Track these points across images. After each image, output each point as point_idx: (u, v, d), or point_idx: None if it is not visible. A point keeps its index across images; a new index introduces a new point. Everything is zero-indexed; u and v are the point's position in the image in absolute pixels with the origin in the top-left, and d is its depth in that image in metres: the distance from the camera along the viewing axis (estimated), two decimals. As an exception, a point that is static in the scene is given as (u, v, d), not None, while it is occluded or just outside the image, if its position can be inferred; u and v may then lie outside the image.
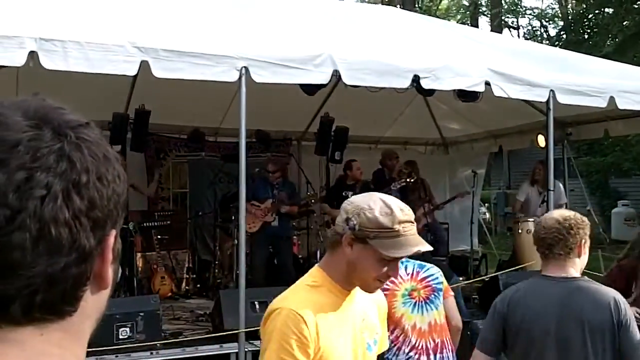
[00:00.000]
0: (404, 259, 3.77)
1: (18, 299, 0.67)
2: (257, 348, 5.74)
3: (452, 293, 3.95)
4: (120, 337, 5.49)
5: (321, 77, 5.61)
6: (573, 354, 2.83)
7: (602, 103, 6.66)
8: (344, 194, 8.05)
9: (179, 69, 5.14)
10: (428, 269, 3.87)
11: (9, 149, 0.67)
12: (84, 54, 4.84)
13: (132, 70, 5.03)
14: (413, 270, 3.81)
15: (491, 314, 3.06)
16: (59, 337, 0.72)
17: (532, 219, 8.27)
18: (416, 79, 5.89)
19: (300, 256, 8.99)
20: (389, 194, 7.40)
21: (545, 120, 6.79)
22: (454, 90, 6.37)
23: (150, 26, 5.44)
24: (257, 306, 5.93)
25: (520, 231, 8.44)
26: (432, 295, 3.78)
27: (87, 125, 0.75)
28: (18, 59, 4.64)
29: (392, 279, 3.72)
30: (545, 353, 2.88)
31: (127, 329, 5.54)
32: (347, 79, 5.70)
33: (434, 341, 3.71)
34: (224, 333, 5.70)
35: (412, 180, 8.43)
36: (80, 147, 0.71)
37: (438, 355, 3.70)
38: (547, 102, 6.52)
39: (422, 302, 3.75)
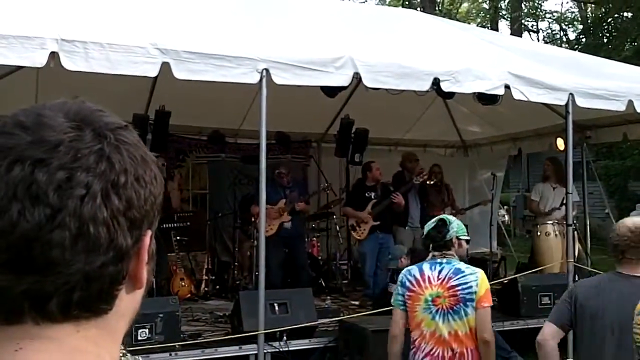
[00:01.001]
0: (444, 260, 3.74)
1: (56, 296, 0.69)
2: (277, 349, 5.76)
3: (488, 304, 3.68)
4: (140, 338, 5.52)
5: (342, 79, 5.60)
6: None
7: (621, 107, 6.61)
8: (366, 194, 8.06)
9: (200, 71, 5.17)
10: (465, 275, 3.66)
11: (51, 149, 0.69)
12: (105, 55, 4.87)
13: (153, 72, 5.06)
14: (446, 276, 3.67)
15: (568, 294, 3.38)
16: (95, 335, 0.73)
17: (551, 222, 8.21)
18: (436, 82, 5.87)
19: (319, 257, 8.99)
20: (409, 188, 7.40)
21: (564, 123, 6.73)
22: (474, 93, 6.34)
23: (172, 28, 5.47)
24: (277, 307, 5.95)
25: (539, 234, 8.38)
26: (457, 306, 3.62)
27: (126, 127, 0.77)
28: (39, 60, 4.69)
29: (420, 281, 3.68)
30: (607, 337, 3.21)
31: (147, 330, 5.56)
32: (367, 82, 5.69)
33: (452, 350, 3.59)
34: (243, 334, 5.71)
35: (432, 180, 8.41)
36: (119, 149, 0.73)
37: None
38: (566, 105, 6.48)
39: (445, 310, 3.63)
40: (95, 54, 4.89)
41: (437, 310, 3.63)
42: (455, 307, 3.62)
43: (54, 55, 4.78)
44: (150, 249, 0.78)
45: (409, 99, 7.28)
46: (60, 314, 0.70)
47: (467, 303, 3.62)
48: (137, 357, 1.77)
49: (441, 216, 3.98)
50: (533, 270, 7.74)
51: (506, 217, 19.25)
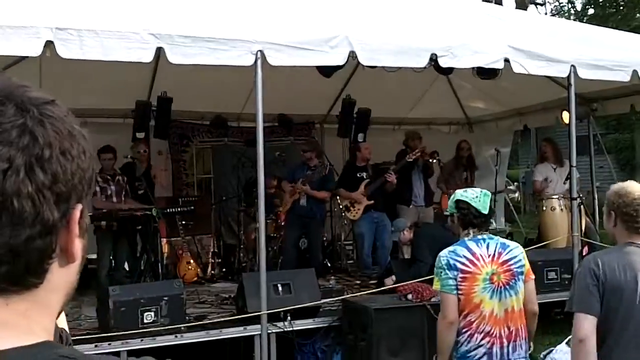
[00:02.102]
0: (485, 236, 3.58)
1: None
2: (280, 329, 5.81)
3: (533, 276, 3.68)
4: (145, 321, 5.58)
5: (337, 58, 5.58)
6: None
7: (625, 77, 6.53)
8: (358, 175, 8.06)
9: (195, 55, 5.16)
10: (511, 249, 3.59)
11: None
12: (100, 42, 4.88)
13: (147, 57, 5.06)
14: (495, 251, 3.54)
15: (587, 275, 2.91)
16: (26, 309, 0.73)
17: (557, 196, 8.18)
18: (434, 58, 5.83)
19: (324, 238, 9.02)
20: (402, 167, 7.33)
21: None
22: (473, 68, 6.30)
23: (165, 12, 5.45)
24: (280, 288, 5.98)
25: (544, 209, 8.35)
26: (512, 281, 3.52)
27: (52, 102, 0.76)
28: (34, 49, 4.71)
29: (474, 260, 3.47)
30: (634, 307, 2.91)
31: (152, 314, 5.62)
32: (363, 60, 5.67)
33: (508, 329, 3.50)
34: (247, 315, 5.76)
35: (434, 158, 8.40)
36: (43, 123, 0.72)
37: (511, 344, 3.50)
38: (568, 77, 6.42)
39: (501, 287, 3.50)
40: (90, 41, 4.90)
41: (494, 289, 3.49)
42: (510, 283, 3.51)
43: (49, 44, 4.80)
44: (83, 223, 0.78)
45: (412, 77, 7.24)
46: None
47: (519, 277, 3.54)
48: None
49: (481, 190, 3.79)
50: (538, 245, 7.72)
51: (516, 194, 19.18)
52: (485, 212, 3.59)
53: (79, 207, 0.76)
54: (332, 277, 7.74)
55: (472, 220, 3.59)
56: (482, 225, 3.61)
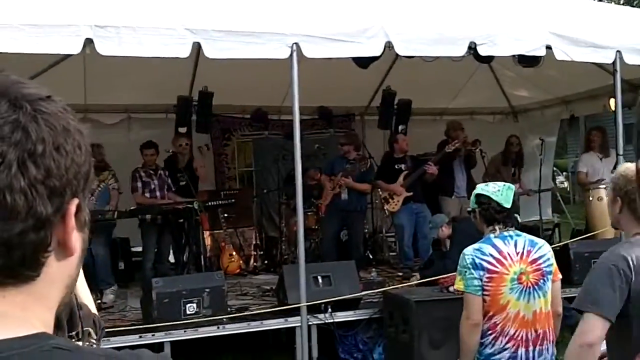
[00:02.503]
0: (512, 233, 3.39)
1: None
2: (321, 321, 5.83)
3: (561, 276, 3.51)
4: (188, 312, 5.68)
5: (373, 49, 5.54)
6: None
7: (674, 61, 6.31)
8: (396, 166, 7.98)
9: (231, 49, 5.21)
10: (540, 247, 3.41)
11: None
12: (137, 39, 4.97)
13: (184, 53, 5.12)
14: (524, 249, 3.37)
15: (614, 274, 2.48)
16: (23, 301, 0.74)
17: (604, 186, 7.96)
18: (472, 46, 5.74)
19: (366, 230, 9.00)
20: (441, 158, 7.21)
21: (615, 82, 6.49)
22: (514, 56, 6.17)
23: (201, 7, 5.50)
24: (320, 280, 6.00)
25: (591, 199, 8.14)
26: (541, 281, 3.34)
27: (47, 98, 0.77)
28: (74, 47, 4.81)
29: (501, 259, 3.28)
30: None
31: (194, 305, 5.71)
32: (400, 50, 5.61)
33: (535, 332, 3.33)
34: (287, 307, 5.79)
35: (476, 147, 8.28)
36: (36, 119, 0.74)
37: (537, 347, 3.34)
38: (614, 63, 6.24)
39: (529, 288, 3.33)
40: (128, 38, 4.99)
41: (522, 290, 3.32)
42: (539, 283, 3.34)
43: (88, 42, 4.90)
44: (82, 217, 0.79)
45: (453, 66, 7.13)
46: None
47: (548, 277, 3.37)
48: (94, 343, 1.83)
49: (504, 183, 3.61)
50: (585, 235, 7.53)
51: (565, 184, 18.77)
52: (508, 206, 3.42)
53: (75, 201, 0.77)
54: (374, 269, 7.71)
55: (494, 215, 3.42)
56: (506, 220, 3.43)
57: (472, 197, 3.58)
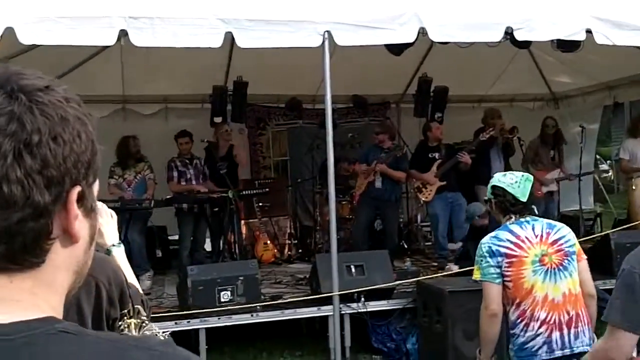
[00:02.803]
0: (529, 219, 3.34)
1: None
2: (354, 310, 5.83)
3: (585, 256, 3.42)
4: (222, 300, 5.74)
5: (407, 35, 5.48)
6: None
7: None
8: (429, 155, 7.88)
9: (262, 38, 5.22)
10: (559, 229, 3.35)
11: None
12: (171, 30, 5.02)
13: (216, 42, 5.14)
14: (542, 231, 3.30)
15: (635, 284, 2.27)
16: (30, 285, 0.77)
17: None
18: (509, 31, 5.62)
19: (401, 219, 8.95)
20: (476, 147, 7.06)
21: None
22: (552, 40, 6.02)
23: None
24: (353, 269, 6.00)
25: (634, 187, 7.93)
26: (565, 261, 3.26)
27: (46, 88, 0.78)
28: (109, 38, 4.88)
29: (519, 243, 3.23)
30: None
31: (228, 293, 5.77)
32: (434, 36, 5.54)
33: (568, 314, 3.23)
34: (320, 296, 5.81)
35: (513, 135, 8.13)
36: (32, 109, 0.74)
37: (572, 330, 3.24)
38: (658, 47, 6.03)
39: (554, 268, 3.24)
40: (161, 28, 5.04)
41: (546, 271, 3.24)
42: (563, 263, 3.26)
43: (122, 33, 4.97)
44: (88, 204, 0.81)
45: (491, 52, 7.01)
46: None
47: (572, 257, 3.30)
48: (154, 327, 1.85)
49: (523, 174, 3.53)
50: (626, 226, 7.35)
51: (610, 172, 18.32)
52: (524, 199, 3.34)
53: (76, 189, 0.78)
54: (408, 259, 7.66)
55: (509, 207, 3.37)
56: (522, 212, 3.36)
57: (489, 187, 3.52)
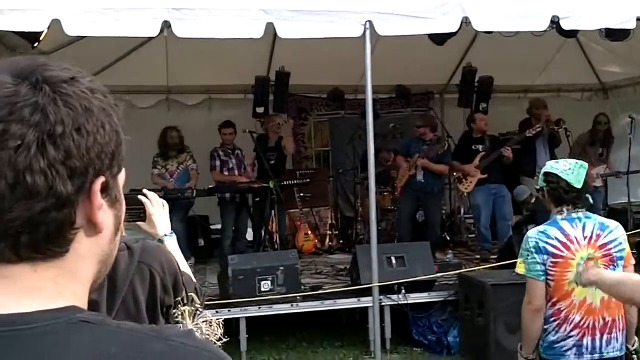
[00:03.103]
0: (581, 214, 3.21)
1: (3, 240, 0.74)
2: (394, 302, 5.81)
3: (633, 261, 3.29)
4: (262, 289, 5.78)
5: (450, 25, 5.40)
6: None
7: None
8: (473, 147, 7.77)
9: (303, 28, 5.22)
10: (611, 231, 3.21)
11: None
12: (213, 21, 5.05)
13: (258, 33, 5.16)
14: (592, 232, 3.18)
15: None
16: (54, 275, 0.77)
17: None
18: (555, 20, 5.48)
19: (443, 212, 8.86)
20: (519, 141, 6.90)
21: None
22: (600, 29, 5.85)
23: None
24: (393, 261, 5.97)
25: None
26: (611, 267, 3.14)
27: (70, 80, 0.78)
28: (152, 30, 4.94)
29: (567, 243, 3.13)
30: None
31: (268, 282, 5.81)
32: (477, 25, 5.45)
33: (603, 320, 3.15)
34: (360, 287, 5.80)
35: (559, 126, 7.96)
36: (56, 101, 0.75)
37: (605, 336, 3.16)
38: None
39: None
40: (204, 19, 5.08)
41: None
42: (609, 268, 3.13)
43: (165, 24, 5.02)
44: (113, 194, 0.81)
45: (537, 42, 6.86)
46: (13, 255, 0.75)
47: (618, 262, 3.18)
48: (208, 315, 1.86)
49: (577, 161, 3.36)
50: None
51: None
52: (578, 186, 3.19)
53: (100, 179, 0.78)
54: (450, 251, 7.59)
55: (562, 195, 3.20)
56: (575, 201, 3.22)
57: (540, 175, 3.37)
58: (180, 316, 1.77)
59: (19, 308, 0.74)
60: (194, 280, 1.99)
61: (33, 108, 0.74)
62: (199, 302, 1.85)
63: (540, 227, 3.26)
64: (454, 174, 8.09)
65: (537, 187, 3.52)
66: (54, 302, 0.76)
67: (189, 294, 1.82)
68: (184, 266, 2.00)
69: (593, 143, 8.53)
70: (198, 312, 1.82)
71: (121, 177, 0.84)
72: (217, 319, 1.81)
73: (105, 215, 0.80)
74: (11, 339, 0.72)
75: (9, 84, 0.75)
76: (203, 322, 1.82)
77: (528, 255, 3.20)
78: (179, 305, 1.80)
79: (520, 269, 3.26)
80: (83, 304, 0.80)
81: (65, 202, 0.75)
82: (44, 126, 0.73)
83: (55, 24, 4.79)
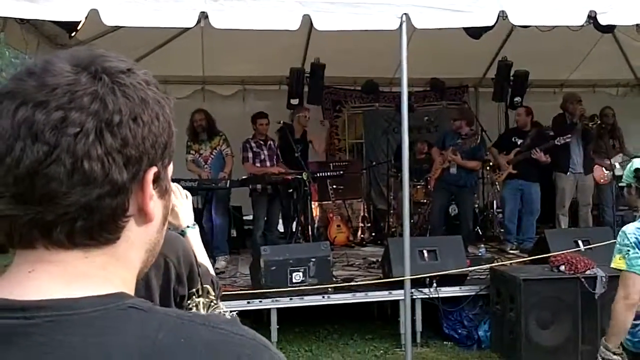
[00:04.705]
0: None
1: (59, 225, 0.77)
2: (426, 295, 5.80)
3: None
4: (294, 280, 5.81)
5: (486, 18, 5.35)
6: None
7: None
8: (513, 139, 7.76)
9: (340, 20, 5.20)
10: None
11: (50, 92, 0.76)
12: (249, 12, 5.07)
13: (294, 25, 5.16)
14: None
15: None
16: (104, 261, 0.80)
17: None
18: (592, 15, 5.40)
19: (476, 206, 8.81)
20: (550, 147, 6.84)
21: None
22: (638, 24, 5.74)
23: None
24: (426, 254, 5.96)
25: None
26: None
27: (128, 71, 0.81)
28: (190, 20, 4.99)
29: None
30: None
31: (300, 274, 5.84)
32: (514, 19, 5.38)
33: None
34: (392, 280, 5.80)
35: (594, 123, 7.86)
36: (114, 90, 0.78)
37: None
38: None
39: None
40: (240, 11, 5.10)
41: None
42: None
43: (203, 15, 5.06)
44: (163, 184, 0.84)
45: (574, 36, 6.75)
46: (67, 241, 0.77)
47: None
48: (222, 307, 1.87)
49: None
50: None
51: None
52: None
53: (153, 169, 0.80)
54: (482, 245, 7.56)
55: None
56: None
57: (628, 171, 3.40)
58: (194, 307, 1.77)
59: (69, 293, 0.76)
60: (212, 272, 2.00)
61: (92, 97, 0.76)
62: (214, 294, 1.85)
63: (637, 224, 3.26)
64: (492, 161, 8.14)
65: (623, 183, 3.52)
66: (103, 288, 0.77)
67: (204, 286, 1.82)
68: (203, 258, 1.99)
69: (601, 136, 8.41)
70: (212, 304, 1.82)
71: (170, 168, 0.86)
72: (232, 311, 1.80)
73: (155, 205, 0.82)
74: (61, 324, 0.73)
75: (69, 73, 0.77)
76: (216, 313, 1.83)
77: (629, 250, 3.20)
78: (194, 297, 1.80)
79: (620, 264, 3.26)
80: (131, 290, 0.82)
81: (120, 190, 0.77)
82: (103, 115, 0.76)
83: (93, 13, 4.86)
